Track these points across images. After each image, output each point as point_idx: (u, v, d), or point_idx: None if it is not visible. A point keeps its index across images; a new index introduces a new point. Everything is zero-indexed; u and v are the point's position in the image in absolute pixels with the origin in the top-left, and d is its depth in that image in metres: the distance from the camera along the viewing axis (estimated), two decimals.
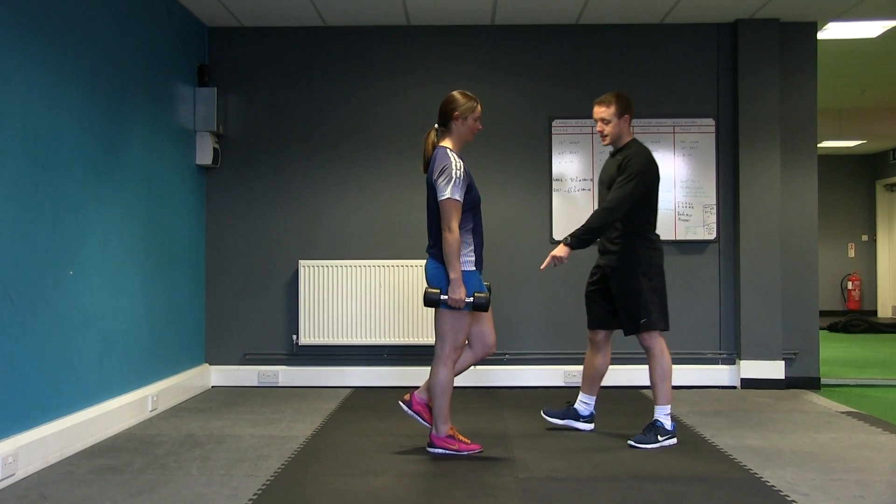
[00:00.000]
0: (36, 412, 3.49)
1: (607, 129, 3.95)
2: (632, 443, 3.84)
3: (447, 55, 5.71)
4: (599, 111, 3.95)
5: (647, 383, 5.47)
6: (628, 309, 3.89)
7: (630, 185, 3.81)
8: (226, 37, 5.69)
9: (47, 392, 3.58)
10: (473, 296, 3.53)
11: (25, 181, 3.40)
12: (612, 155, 4.05)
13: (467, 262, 3.58)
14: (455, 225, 3.48)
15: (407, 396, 3.81)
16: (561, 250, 3.80)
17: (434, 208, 3.58)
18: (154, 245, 4.74)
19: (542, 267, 3.89)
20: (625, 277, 3.88)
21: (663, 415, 3.90)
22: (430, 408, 3.74)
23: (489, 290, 3.66)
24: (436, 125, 3.70)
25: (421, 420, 3.76)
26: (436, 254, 3.60)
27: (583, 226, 3.85)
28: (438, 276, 3.57)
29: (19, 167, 3.36)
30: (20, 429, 3.35)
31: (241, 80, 5.69)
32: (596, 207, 3.99)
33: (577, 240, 3.81)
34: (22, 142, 3.38)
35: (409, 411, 3.77)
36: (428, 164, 3.63)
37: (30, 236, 3.44)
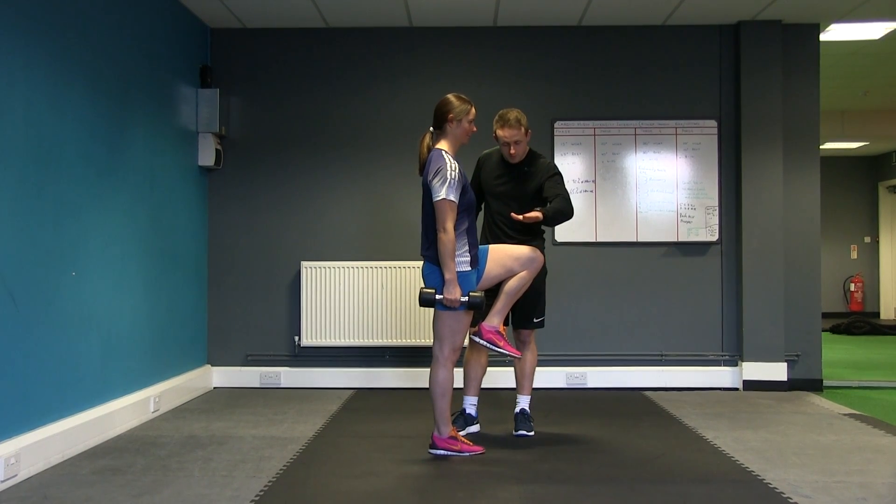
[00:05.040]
0: (38, 413, 3.49)
1: (520, 149, 4.06)
2: (524, 433, 4.09)
3: (449, 56, 5.71)
4: (514, 134, 3.99)
5: (651, 385, 5.52)
6: (529, 306, 4.06)
7: (560, 174, 4.12)
8: (228, 38, 5.69)
9: (49, 393, 3.58)
10: (468, 295, 3.56)
11: (28, 182, 3.41)
12: (518, 166, 4.11)
13: (462, 262, 3.60)
14: (450, 225, 3.51)
15: (476, 328, 3.83)
16: (536, 215, 3.88)
17: (429, 211, 3.60)
18: (156, 246, 4.74)
19: (521, 217, 3.90)
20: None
21: (529, 403, 4.22)
22: (500, 333, 3.80)
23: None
24: (430, 128, 3.72)
25: (495, 348, 3.77)
26: (430, 256, 3.63)
27: (555, 208, 3.96)
28: (434, 277, 3.61)
29: (22, 167, 3.37)
30: (22, 430, 3.36)
31: (243, 81, 5.69)
32: (547, 210, 4.00)
33: (552, 217, 3.98)
34: (25, 142, 3.39)
35: (482, 341, 3.79)
36: (423, 168, 3.65)
37: (32, 237, 3.44)
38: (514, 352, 3.86)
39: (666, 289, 5.64)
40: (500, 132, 4.02)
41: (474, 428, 4.13)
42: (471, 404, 4.15)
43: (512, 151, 4.04)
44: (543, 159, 4.17)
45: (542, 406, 4.73)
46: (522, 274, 3.80)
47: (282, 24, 5.60)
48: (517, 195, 4.08)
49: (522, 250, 3.83)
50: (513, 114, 4.01)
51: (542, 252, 4.05)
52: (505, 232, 4.08)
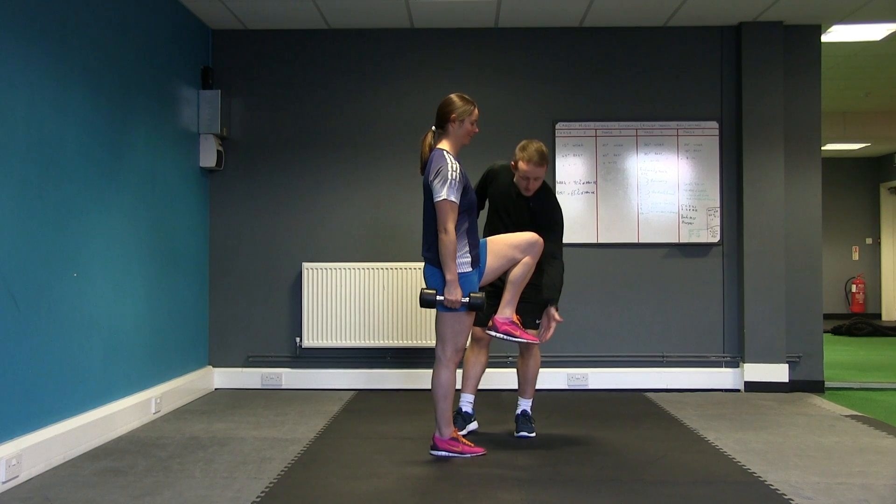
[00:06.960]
0: (39, 414, 3.49)
1: (537, 185, 4.04)
2: (525, 434, 4.10)
3: (450, 58, 5.71)
4: (538, 171, 3.96)
5: (652, 386, 5.52)
6: (529, 308, 4.05)
7: (561, 224, 4.14)
8: (230, 39, 5.70)
9: (51, 394, 3.58)
10: (469, 296, 3.55)
11: (30, 183, 3.41)
12: (526, 198, 4.10)
13: (463, 263, 3.60)
14: (451, 226, 3.50)
15: (490, 323, 3.83)
16: (556, 314, 4.00)
17: (430, 211, 3.60)
18: (158, 247, 4.75)
19: (547, 336, 4.00)
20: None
21: (531, 406, 4.22)
22: (515, 323, 3.81)
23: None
24: (433, 127, 3.72)
25: (513, 338, 3.80)
26: (431, 258, 3.63)
27: (555, 285, 4.01)
28: (435, 278, 3.61)
29: (24, 169, 3.37)
30: (24, 431, 3.36)
31: (244, 82, 5.70)
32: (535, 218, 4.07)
33: (558, 297, 4.03)
34: (26, 144, 3.39)
35: (499, 334, 3.79)
36: (425, 167, 3.65)
37: (34, 238, 3.45)
38: (532, 338, 3.86)
39: (667, 290, 5.64)
40: (522, 165, 3.95)
41: (474, 426, 4.13)
42: (467, 402, 4.14)
43: (529, 186, 4.02)
44: (552, 201, 4.13)
45: (544, 407, 4.73)
46: (525, 260, 3.78)
47: (283, 25, 5.61)
48: (517, 223, 4.08)
49: (521, 237, 3.81)
50: (539, 151, 3.94)
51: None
52: None
